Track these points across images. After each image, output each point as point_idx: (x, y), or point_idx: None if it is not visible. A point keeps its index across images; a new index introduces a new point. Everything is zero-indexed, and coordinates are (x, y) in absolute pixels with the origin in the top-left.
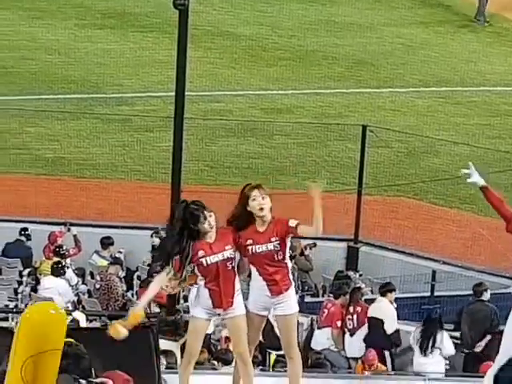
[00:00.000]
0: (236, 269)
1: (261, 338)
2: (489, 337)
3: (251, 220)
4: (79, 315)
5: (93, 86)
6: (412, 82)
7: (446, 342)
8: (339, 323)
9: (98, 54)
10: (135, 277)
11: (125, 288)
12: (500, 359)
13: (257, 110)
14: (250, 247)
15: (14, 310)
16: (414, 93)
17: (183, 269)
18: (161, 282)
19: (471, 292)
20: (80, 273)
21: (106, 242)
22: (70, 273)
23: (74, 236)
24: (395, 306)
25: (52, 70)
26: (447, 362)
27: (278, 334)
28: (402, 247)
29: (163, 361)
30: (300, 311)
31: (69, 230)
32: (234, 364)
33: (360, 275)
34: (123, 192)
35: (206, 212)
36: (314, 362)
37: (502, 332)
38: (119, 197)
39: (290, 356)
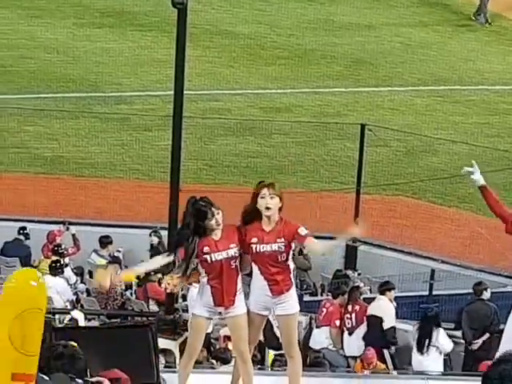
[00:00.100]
0: (239, 267)
1: (261, 337)
2: (487, 335)
3: (259, 216)
4: (78, 314)
5: (91, 84)
6: (411, 81)
7: (441, 339)
8: (338, 322)
9: (96, 52)
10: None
11: (123, 287)
12: None
13: (255, 108)
14: (254, 245)
15: None
16: (413, 92)
17: (188, 262)
18: (157, 262)
19: (470, 291)
20: (79, 272)
21: (105, 241)
22: (68, 272)
23: (73, 235)
24: (395, 304)
25: (51, 68)
26: (447, 358)
27: (278, 334)
28: (400, 246)
29: (162, 360)
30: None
31: (67, 228)
32: (232, 363)
33: (359, 274)
34: (122, 191)
35: (213, 209)
36: (312, 361)
37: (502, 331)
38: (118, 196)
39: (291, 355)
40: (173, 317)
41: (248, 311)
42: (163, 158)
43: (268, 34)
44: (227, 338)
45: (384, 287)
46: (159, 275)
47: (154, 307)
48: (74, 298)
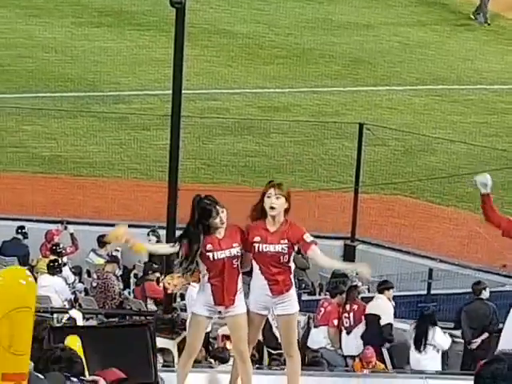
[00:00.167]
0: (240, 266)
1: (260, 336)
2: (486, 334)
3: (265, 215)
4: (76, 313)
5: (90, 84)
6: (409, 81)
7: (438, 337)
8: (336, 322)
9: (94, 52)
10: (132, 275)
11: (121, 286)
12: None
13: (254, 108)
14: (257, 244)
15: None
16: (411, 91)
17: (191, 257)
18: (164, 248)
19: (468, 290)
20: (77, 271)
21: (103, 240)
22: (66, 271)
23: (71, 234)
24: (393, 303)
25: (49, 68)
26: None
27: (277, 334)
28: (398, 245)
29: (160, 359)
30: None
31: (66, 228)
32: (231, 362)
33: (357, 273)
34: (120, 190)
35: (218, 207)
36: (310, 360)
37: (500, 330)
38: (116, 195)
39: (290, 354)
40: (171, 316)
41: (247, 311)
42: (161, 158)
43: (266, 34)
44: (225, 337)
45: (382, 286)
46: (157, 274)
47: (152, 306)
48: (72, 297)
